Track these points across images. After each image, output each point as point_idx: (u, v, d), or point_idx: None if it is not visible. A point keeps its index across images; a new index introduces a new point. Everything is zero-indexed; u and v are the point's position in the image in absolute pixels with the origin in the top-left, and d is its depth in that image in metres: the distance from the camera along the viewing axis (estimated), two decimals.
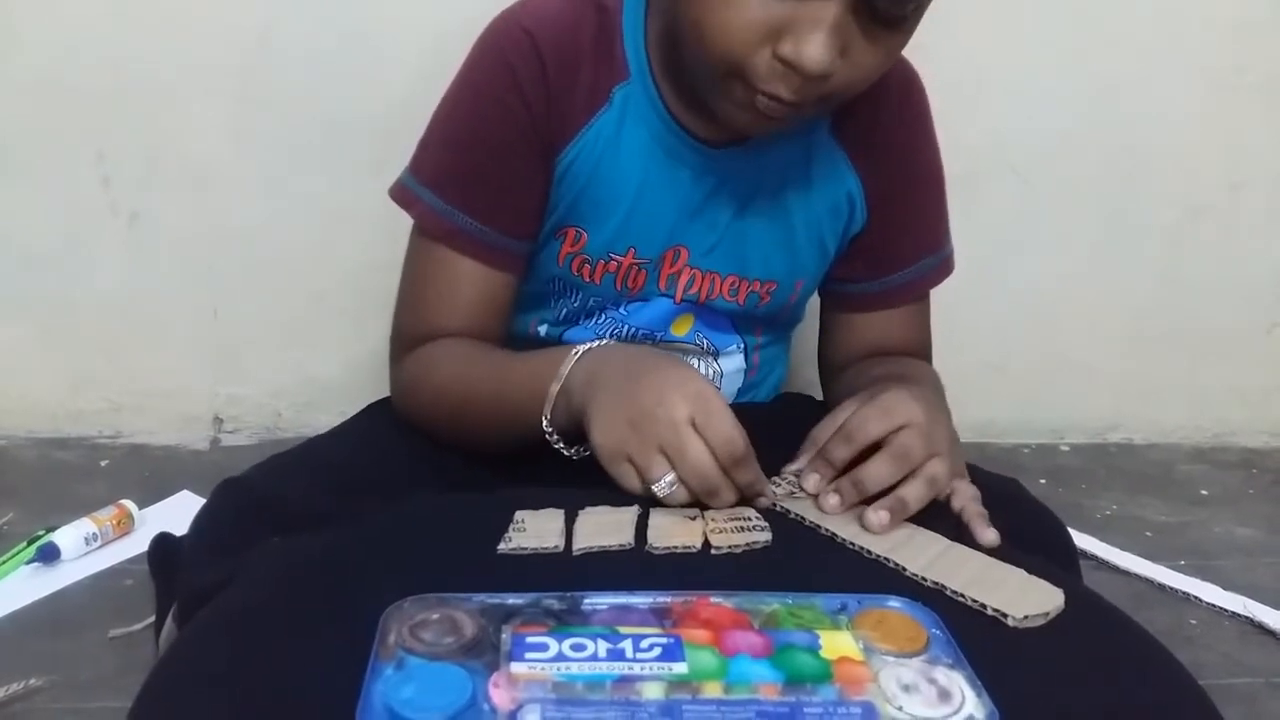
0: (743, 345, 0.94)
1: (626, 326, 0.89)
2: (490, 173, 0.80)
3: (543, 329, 0.92)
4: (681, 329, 0.90)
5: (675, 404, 0.62)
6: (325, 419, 0.92)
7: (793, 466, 0.71)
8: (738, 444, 0.62)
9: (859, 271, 0.90)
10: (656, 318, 0.89)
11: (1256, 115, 1.45)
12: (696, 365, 0.92)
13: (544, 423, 0.70)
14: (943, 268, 0.92)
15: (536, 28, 0.79)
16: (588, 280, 0.86)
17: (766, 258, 0.86)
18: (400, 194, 0.84)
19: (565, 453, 0.72)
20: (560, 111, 0.79)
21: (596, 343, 0.72)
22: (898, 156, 0.86)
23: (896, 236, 0.89)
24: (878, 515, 0.64)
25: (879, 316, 0.91)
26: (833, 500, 0.66)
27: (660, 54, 0.80)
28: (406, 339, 0.84)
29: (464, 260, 0.81)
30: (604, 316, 0.89)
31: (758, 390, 0.98)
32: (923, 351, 0.93)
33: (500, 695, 0.45)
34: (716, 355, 0.93)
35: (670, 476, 0.63)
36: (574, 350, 0.71)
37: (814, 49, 0.64)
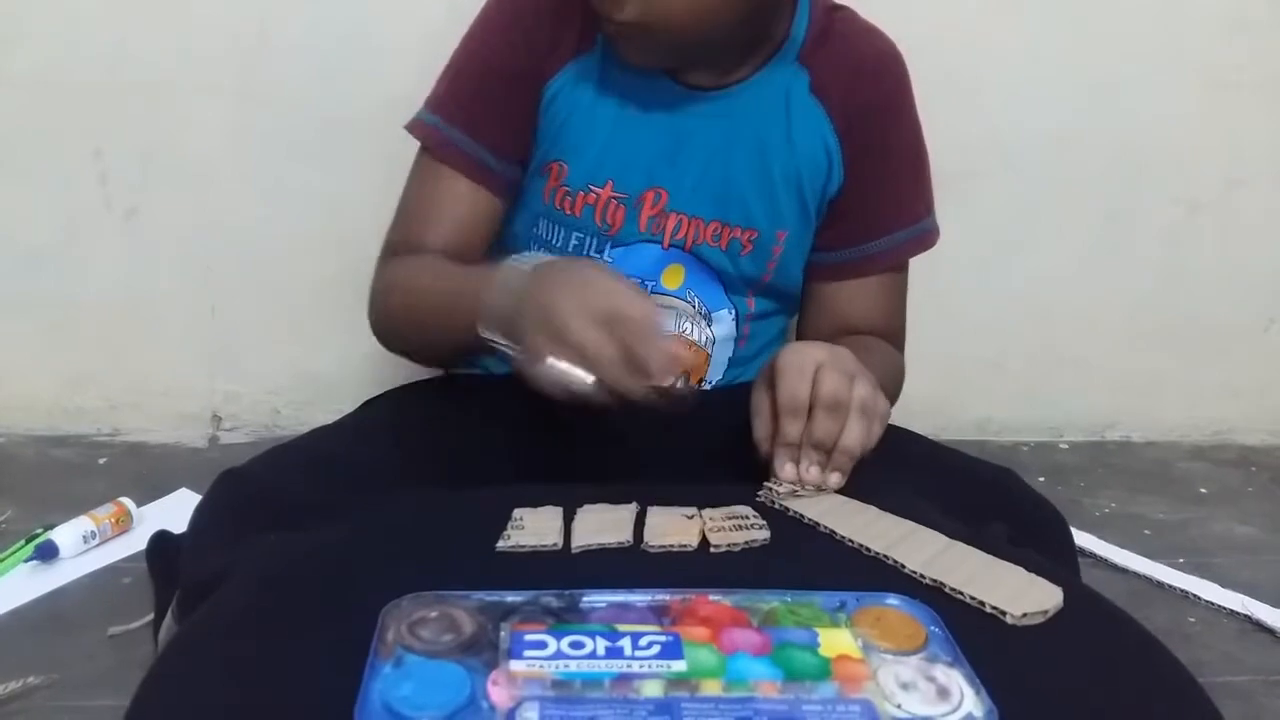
0: (734, 311, 0.95)
1: None
2: (486, 92, 0.88)
3: None
4: (673, 281, 0.92)
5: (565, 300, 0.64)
6: (323, 416, 0.92)
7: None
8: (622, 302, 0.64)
9: (836, 239, 0.93)
10: (646, 265, 0.91)
11: (1254, 113, 1.45)
12: (689, 328, 0.93)
13: (480, 328, 0.72)
14: (920, 240, 0.94)
15: None
16: (568, 213, 0.90)
17: (746, 204, 0.90)
18: (411, 125, 0.91)
19: (510, 351, 0.71)
20: (553, 49, 0.87)
21: (536, 256, 0.73)
22: (874, 119, 0.90)
23: (872, 202, 0.92)
24: (831, 477, 0.68)
25: (853, 287, 0.94)
26: (814, 473, 0.68)
27: None
28: (391, 249, 0.90)
29: (452, 174, 0.88)
30: None
31: (748, 367, 0.98)
32: (893, 331, 0.95)
33: (499, 693, 0.45)
34: (709, 320, 0.94)
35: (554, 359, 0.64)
36: (510, 262, 0.73)
37: None
